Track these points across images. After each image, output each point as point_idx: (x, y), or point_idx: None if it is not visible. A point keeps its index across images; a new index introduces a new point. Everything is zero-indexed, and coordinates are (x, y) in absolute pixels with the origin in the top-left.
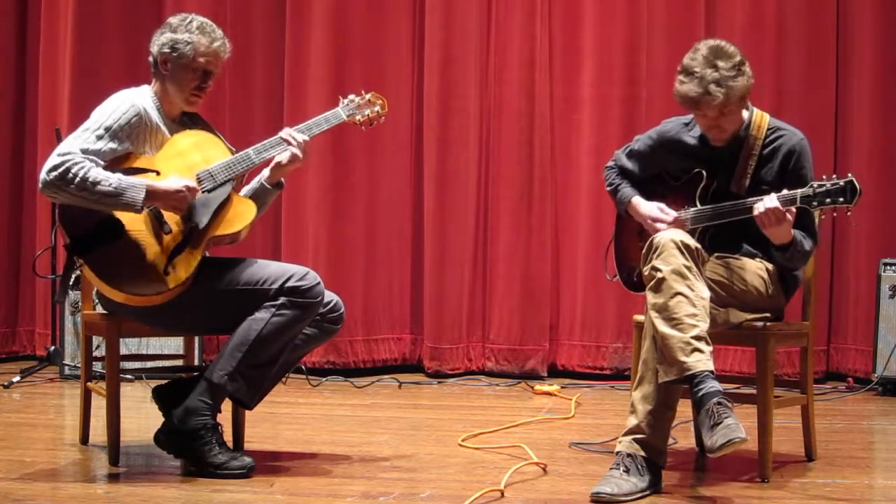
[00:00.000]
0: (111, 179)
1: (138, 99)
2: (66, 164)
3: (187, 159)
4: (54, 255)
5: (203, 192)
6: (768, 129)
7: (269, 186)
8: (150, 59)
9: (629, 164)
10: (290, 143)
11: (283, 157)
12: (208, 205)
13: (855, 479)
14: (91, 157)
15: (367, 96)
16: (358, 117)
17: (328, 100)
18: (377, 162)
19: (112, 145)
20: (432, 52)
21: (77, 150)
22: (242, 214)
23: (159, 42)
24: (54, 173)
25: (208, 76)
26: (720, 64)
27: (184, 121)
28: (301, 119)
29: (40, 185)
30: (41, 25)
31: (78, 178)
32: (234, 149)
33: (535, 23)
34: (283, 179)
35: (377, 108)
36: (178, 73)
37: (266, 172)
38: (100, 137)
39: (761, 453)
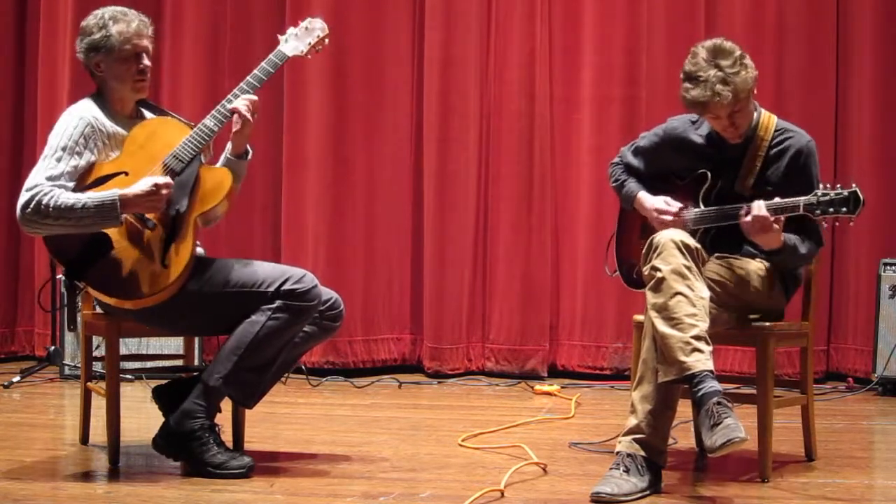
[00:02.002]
0: (83, 199)
1: (84, 110)
2: (37, 197)
3: (150, 150)
4: (54, 285)
5: (174, 176)
6: (776, 131)
7: (234, 158)
8: (84, 67)
9: (634, 161)
10: (238, 114)
11: (235, 126)
12: (183, 187)
13: (855, 479)
14: (58, 182)
15: (304, 24)
16: (302, 48)
17: (328, 99)
18: (377, 161)
19: (74, 162)
20: (432, 52)
21: (42, 179)
22: (219, 184)
23: (83, 49)
24: (28, 209)
25: (141, 57)
26: (722, 63)
27: (139, 112)
28: (302, 120)
29: (20, 223)
30: (40, 25)
31: (51, 208)
32: (191, 124)
33: (535, 23)
34: (249, 147)
35: (318, 33)
36: (114, 68)
37: (229, 146)
38: (59, 160)
39: (761, 453)
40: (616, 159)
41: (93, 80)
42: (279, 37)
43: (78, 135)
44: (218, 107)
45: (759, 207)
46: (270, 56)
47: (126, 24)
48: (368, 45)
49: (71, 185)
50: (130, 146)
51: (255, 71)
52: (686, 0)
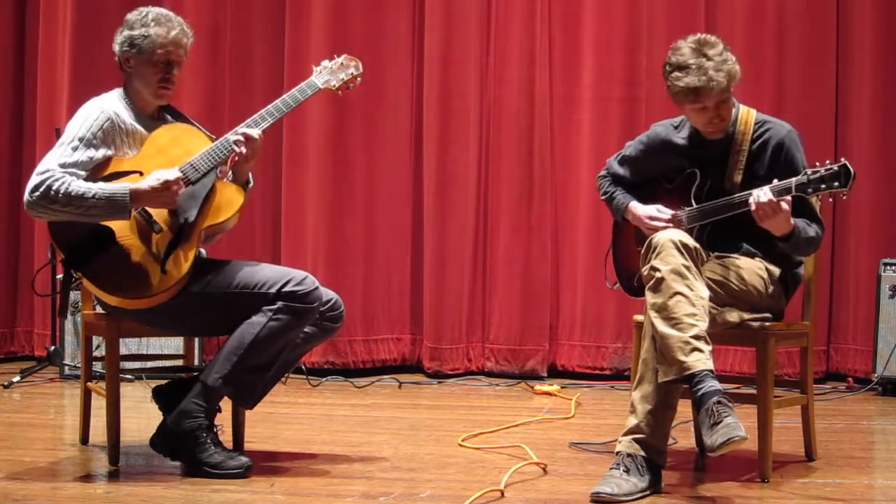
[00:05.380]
0: (94, 189)
1: (107, 104)
2: (47, 182)
3: (168, 155)
4: (53, 270)
5: (188, 184)
6: (755, 124)
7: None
8: (116, 59)
9: (621, 171)
10: (239, 145)
11: (237, 154)
12: (195, 197)
13: (855, 479)
14: (70, 169)
15: (340, 59)
16: (334, 83)
17: (328, 99)
18: (377, 161)
19: (89, 154)
20: (432, 52)
21: (55, 165)
22: (230, 201)
23: (119, 41)
24: (36, 193)
25: (171, 66)
26: (710, 52)
27: (161, 115)
28: (301, 119)
29: (25, 207)
30: (40, 26)
31: (61, 194)
32: (213, 136)
33: (535, 23)
34: (251, 178)
35: (351, 71)
36: (141, 68)
37: (231, 174)
38: (75, 149)
39: (761, 453)
40: (602, 171)
41: (122, 73)
42: (313, 67)
43: (97, 128)
44: (241, 125)
45: (765, 192)
46: (302, 84)
47: (167, 30)
48: (368, 45)
49: (83, 174)
50: (150, 148)
51: (285, 96)
52: (686, 0)
